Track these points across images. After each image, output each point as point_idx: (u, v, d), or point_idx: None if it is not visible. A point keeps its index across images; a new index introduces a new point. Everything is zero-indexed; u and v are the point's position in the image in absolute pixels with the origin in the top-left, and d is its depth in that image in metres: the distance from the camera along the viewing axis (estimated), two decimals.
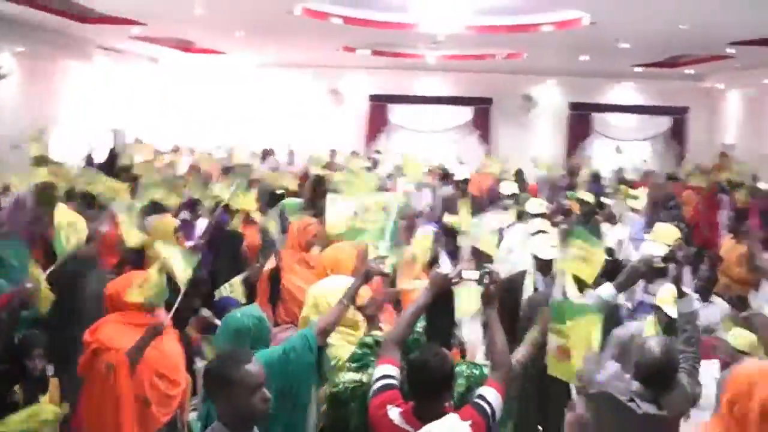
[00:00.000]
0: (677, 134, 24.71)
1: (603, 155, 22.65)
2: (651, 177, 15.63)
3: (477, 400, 4.10)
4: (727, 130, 23.34)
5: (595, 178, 16.90)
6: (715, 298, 7.92)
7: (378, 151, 21.77)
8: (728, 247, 10.17)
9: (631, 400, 4.59)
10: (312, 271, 8.12)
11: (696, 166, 18.69)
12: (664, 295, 6.16)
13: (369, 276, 5.21)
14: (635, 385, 4.64)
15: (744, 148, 21.27)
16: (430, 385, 4.02)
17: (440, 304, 4.57)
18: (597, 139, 24.82)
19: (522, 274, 7.48)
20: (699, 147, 23.03)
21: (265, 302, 7.69)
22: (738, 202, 13.89)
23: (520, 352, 5.03)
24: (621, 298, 7.34)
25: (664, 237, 7.96)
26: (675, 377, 4.72)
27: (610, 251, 9.81)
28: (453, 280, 4.57)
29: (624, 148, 22.38)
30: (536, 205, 10.53)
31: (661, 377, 4.62)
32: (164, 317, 5.58)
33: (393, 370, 4.25)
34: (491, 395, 4.10)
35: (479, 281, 4.51)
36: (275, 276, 8.00)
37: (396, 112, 24.92)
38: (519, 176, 16.40)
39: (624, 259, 9.02)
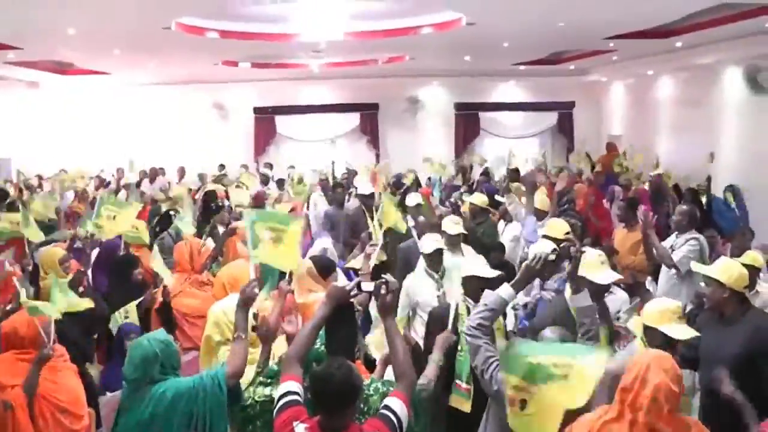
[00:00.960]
0: (564, 128, 25.23)
1: (492, 153, 22.99)
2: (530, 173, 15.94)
3: (383, 411, 4.13)
4: (612, 122, 24.01)
5: (487, 176, 17.17)
6: (613, 288, 8.07)
7: (268, 164, 21.71)
8: (621, 236, 10.43)
9: None
10: (207, 290, 8.12)
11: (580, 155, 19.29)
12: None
13: (248, 303, 5.16)
14: None
15: (630, 138, 21.89)
16: (335, 398, 4.00)
17: (340, 317, 4.57)
18: (485, 137, 25.14)
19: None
20: (586, 139, 23.65)
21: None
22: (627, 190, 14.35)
23: (429, 369, 5.09)
24: (520, 298, 7.55)
25: (556, 231, 8.16)
26: None
27: (501, 247, 10.03)
28: (351, 293, 4.58)
29: (514, 147, 22.75)
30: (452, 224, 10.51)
31: None
32: (60, 350, 5.52)
33: (296, 386, 4.24)
34: (396, 405, 4.13)
35: (376, 292, 4.55)
36: (166, 304, 8.01)
37: (283, 123, 24.81)
38: (415, 183, 16.47)
39: (522, 256, 9.19)
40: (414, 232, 9.86)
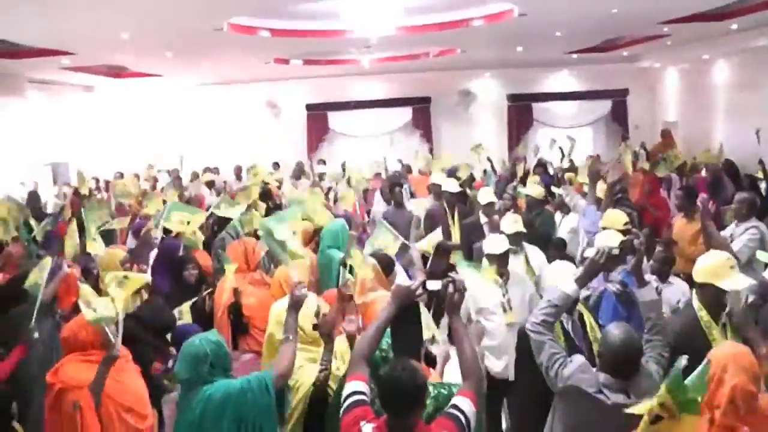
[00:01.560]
0: (618, 116, 24.94)
1: (547, 144, 22.86)
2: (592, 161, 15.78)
3: (451, 410, 4.15)
4: (667, 108, 23.74)
5: (543, 168, 17.09)
6: (673, 279, 8.02)
7: (323, 161, 21.79)
8: (680, 226, 10.28)
9: (600, 391, 4.69)
10: (267, 290, 8.21)
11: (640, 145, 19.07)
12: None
13: (297, 305, 5.20)
14: (602, 377, 4.73)
15: (686, 124, 21.65)
16: (402, 400, 4.04)
17: (405, 318, 4.57)
18: (539, 128, 24.97)
19: None
20: (641, 127, 23.43)
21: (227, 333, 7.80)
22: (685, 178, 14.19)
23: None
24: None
25: (613, 223, 8.10)
26: (640, 364, 4.80)
27: (562, 242, 9.97)
28: (417, 292, 4.58)
29: (570, 136, 22.59)
30: (487, 194, 10.81)
31: (626, 365, 4.71)
32: (122, 350, 5.62)
33: (362, 386, 4.27)
34: (465, 405, 4.16)
35: (443, 291, 4.53)
36: (235, 307, 8.10)
37: (335, 119, 24.89)
38: (469, 178, 16.34)
39: (582, 250, 9.12)
40: (486, 230, 10.12)
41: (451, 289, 4.51)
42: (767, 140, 15.44)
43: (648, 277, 7.54)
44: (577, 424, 4.88)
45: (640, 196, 13.08)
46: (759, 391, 4.04)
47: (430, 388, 4.54)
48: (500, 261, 7.65)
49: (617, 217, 8.36)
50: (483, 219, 10.54)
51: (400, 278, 7.79)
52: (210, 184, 18.86)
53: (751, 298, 7.43)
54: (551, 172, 16.91)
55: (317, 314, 5.66)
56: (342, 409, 4.24)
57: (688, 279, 8.40)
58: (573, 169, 16.00)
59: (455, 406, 4.17)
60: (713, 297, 5.55)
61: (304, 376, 5.50)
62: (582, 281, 5.21)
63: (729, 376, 3.98)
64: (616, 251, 5.27)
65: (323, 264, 8.91)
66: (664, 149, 18.59)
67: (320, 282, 8.74)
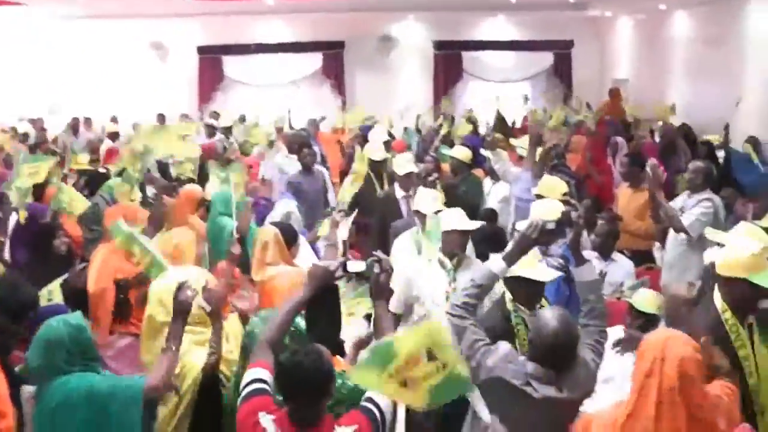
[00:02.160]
0: (561, 71, 25.26)
1: (477, 100, 22.94)
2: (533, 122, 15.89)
3: (366, 404, 4.21)
4: (617, 64, 24.08)
5: (473, 127, 17.18)
6: (617, 255, 8.22)
7: (215, 114, 21.56)
8: (625, 197, 10.38)
9: (527, 383, 4.72)
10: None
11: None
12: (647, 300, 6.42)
13: (182, 312, 5.14)
14: (531, 367, 4.75)
15: (637, 82, 21.98)
16: (304, 388, 4.09)
17: (322, 302, 4.61)
18: (469, 81, 25.19)
19: None
20: (586, 84, 23.70)
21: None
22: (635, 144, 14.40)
23: None
24: None
25: (550, 191, 8.15)
26: (575, 354, 4.84)
27: (492, 213, 10.05)
28: (336, 274, 4.61)
29: (501, 93, 22.72)
30: (405, 162, 10.52)
31: (559, 355, 4.74)
32: None
33: (264, 373, 4.30)
34: (382, 399, 4.22)
35: (367, 272, 4.59)
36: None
37: (232, 65, 24.77)
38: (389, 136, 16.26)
39: (514, 222, 9.18)
40: (403, 208, 9.73)
41: (377, 269, 4.57)
42: (728, 108, 15.80)
43: (589, 253, 7.59)
44: (501, 420, 4.89)
45: (582, 163, 13.27)
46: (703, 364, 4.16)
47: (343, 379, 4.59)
48: (457, 239, 7.08)
49: (555, 184, 8.44)
50: (400, 193, 10.05)
51: (304, 253, 7.83)
52: (114, 137, 18.42)
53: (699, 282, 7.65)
54: (482, 132, 17.00)
55: (203, 289, 5.63)
56: (240, 399, 4.27)
57: (634, 256, 8.62)
58: (507, 131, 16.12)
59: (370, 400, 4.23)
60: (741, 294, 5.33)
61: (192, 362, 5.41)
62: (511, 258, 5.18)
63: (671, 351, 4.07)
64: (551, 225, 5.27)
65: (214, 233, 8.84)
66: (612, 110, 18.88)
67: (210, 253, 8.69)
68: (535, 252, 5.78)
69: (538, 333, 4.77)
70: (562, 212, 6.24)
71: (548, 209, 6.82)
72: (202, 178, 11.23)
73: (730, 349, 5.10)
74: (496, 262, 5.12)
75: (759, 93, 16.51)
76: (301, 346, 4.27)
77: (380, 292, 4.62)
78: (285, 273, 6.89)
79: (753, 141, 14.06)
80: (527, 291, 5.71)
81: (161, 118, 20.51)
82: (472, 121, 18.21)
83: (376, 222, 9.90)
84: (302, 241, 7.96)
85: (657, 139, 15.94)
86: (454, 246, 6.94)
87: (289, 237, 7.35)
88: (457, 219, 7.09)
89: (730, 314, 5.29)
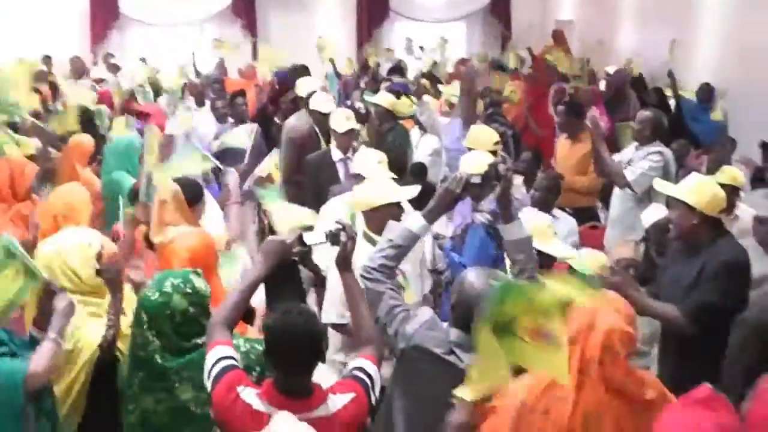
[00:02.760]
0: (499, 11, 25.29)
1: (404, 43, 22.94)
2: (468, 66, 15.96)
3: (356, 373, 4.38)
4: (561, 4, 24.25)
5: (400, 72, 17.20)
6: (559, 213, 8.39)
7: (110, 56, 21.34)
8: (563, 150, 10.60)
9: (450, 352, 4.80)
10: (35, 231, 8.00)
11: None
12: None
13: (68, 312, 5.08)
14: (454, 334, 4.83)
15: (583, 25, 22.15)
16: (301, 351, 4.17)
17: (280, 279, 4.74)
18: (396, 21, 25.20)
19: None
20: (527, 26, 23.82)
21: None
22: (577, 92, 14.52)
23: None
24: (443, 227, 7.63)
25: (481, 143, 8.32)
26: None
27: (421, 167, 10.14)
28: (294, 248, 4.72)
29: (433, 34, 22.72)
30: (341, 120, 9.92)
31: None
32: None
33: (230, 350, 4.40)
34: (371, 367, 4.42)
35: (331, 242, 4.68)
36: None
37: (128, 1, 24.34)
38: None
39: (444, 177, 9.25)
40: (342, 171, 9.45)
41: (343, 237, 4.67)
42: (683, 54, 15.98)
43: (529, 209, 7.94)
44: (422, 392, 4.94)
45: (520, 112, 13.40)
46: (637, 336, 4.27)
47: (242, 342, 4.74)
48: (391, 212, 6.61)
49: (484, 135, 8.59)
50: (337, 155, 9.68)
51: (211, 212, 7.86)
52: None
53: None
54: (410, 78, 17.04)
55: (99, 257, 5.65)
56: (211, 381, 4.34)
57: (575, 213, 8.78)
58: (436, 77, 16.17)
59: (360, 369, 4.41)
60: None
61: (87, 337, 5.41)
62: (432, 215, 5.24)
63: (600, 320, 4.17)
64: (476, 179, 5.34)
65: (109, 190, 8.81)
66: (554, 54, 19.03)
67: (105, 214, 8.66)
68: (549, 222, 5.83)
69: (461, 296, 4.84)
70: (489, 165, 6.09)
71: (476, 162, 6.93)
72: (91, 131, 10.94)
73: None
74: (415, 219, 5.17)
75: (712, 40, 16.83)
76: (290, 306, 4.31)
77: (345, 261, 4.73)
78: (186, 234, 6.89)
79: (706, 88, 14.32)
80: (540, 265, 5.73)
81: (47, 60, 20.20)
82: (400, 66, 18.24)
83: (309, 186, 9.72)
84: (210, 199, 7.97)
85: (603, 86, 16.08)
86: (386, 221, 6.46)
87: (192, 194, 7.28)
88: (388, 190, 6.79)
89: None
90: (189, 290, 4.94)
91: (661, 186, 6.89)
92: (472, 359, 4.64)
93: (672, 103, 14.23)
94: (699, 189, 6.21)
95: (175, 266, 6.31)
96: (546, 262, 5.86)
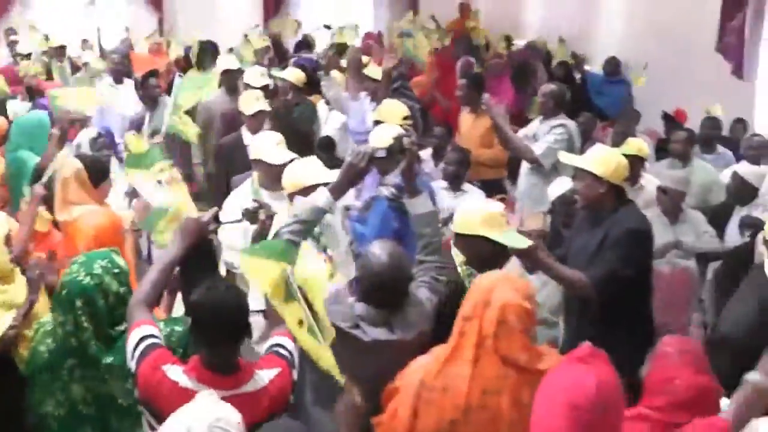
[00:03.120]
0: None
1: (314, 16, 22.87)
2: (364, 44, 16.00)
3: (278, 349, 4.47)
4: None
5: (307, 47, 17.18)
6: (467, 186, 8.55)
7: (11, 30, 20.99)
8: (467, 123, 10.61)
9: (356, 326, 4.86)
10: None
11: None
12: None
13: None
14: (360, 308, 4.90)
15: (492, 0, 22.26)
16: (230, 327, 4.20)
17: (196, 258, 4.76)
18: None
19: None
20: None
21: None
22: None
23: None
24: (351, 199, 7.65)
25: (388, 117, 8.32)
26: (407, 292, 4.99)
27: (329, 142, 10.17)
28: (210, 227, 4.77)
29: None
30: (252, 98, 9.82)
31: (390, 293, 4.89)
32: None
33: (152, 329, 4.42)
34: (289, 344, 4.49)
35: (249, 220, 4.83)
36: None
37: None
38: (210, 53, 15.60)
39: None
40: None
41: (262, 216, 4.82)
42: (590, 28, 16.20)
43: (439, 183, 8.18)
44: None
45: (428, 85, 13.47)
46: (535, 312, 4.38)
47: (162, 325, 4.70)
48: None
49: (393, 108, 8.58)
50: (249, 138, 9.27)
51: (118, 188, 7.86)
52: None
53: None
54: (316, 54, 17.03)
55: (7, 240, 5.61)
56: (135, 361, 4.33)
57: (483, 186, 8.90)
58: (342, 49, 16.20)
59: (280, 345, 4.49)
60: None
61: None
62: (337, 190, 5.24)
63: (497, 296, 4.29)
64: (381, 153, 5.37)
65: (14, 168, 8.74)
66: (462, 26, 19.10)
67: (11, 193, 8.60)
68: (501, 211, 5.85)
69: (365, 270, 4.91)
70: (394, 138, 6.14)
71: (382, 135, 6.92)
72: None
73: None
74: (321, 195, 5.16)
75: (617, 13, 16.97)
76: (213, 283, 4.35)
77: (264, 237, 4.89)
78: (90, 213, 6.86)
79: (612, 61, 14.55)
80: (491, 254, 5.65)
81: None
82: (308, 41, 18.20)
83: (217, 171, 9.70)
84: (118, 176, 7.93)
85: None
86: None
87: (96, 172, 7.22)
88: (318, 171, 6.72)
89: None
90: (116, 270, 4.92)
91: (567, 158, 7.08)
92: (378, 333, 4.79)
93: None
94: (603, 159, 6.41)
95: (79, 244, 6.40)
96: (500, 251, 5.84)
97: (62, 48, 16.49)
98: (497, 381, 4.26)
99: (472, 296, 4.40)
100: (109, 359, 4.80)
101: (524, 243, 5.64)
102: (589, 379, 3.60)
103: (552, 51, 16.64)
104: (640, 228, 6.26)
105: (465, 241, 5.62)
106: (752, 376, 4.20)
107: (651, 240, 6.44)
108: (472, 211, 5.72)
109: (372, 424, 4.59)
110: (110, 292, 4.84)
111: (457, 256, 5.75)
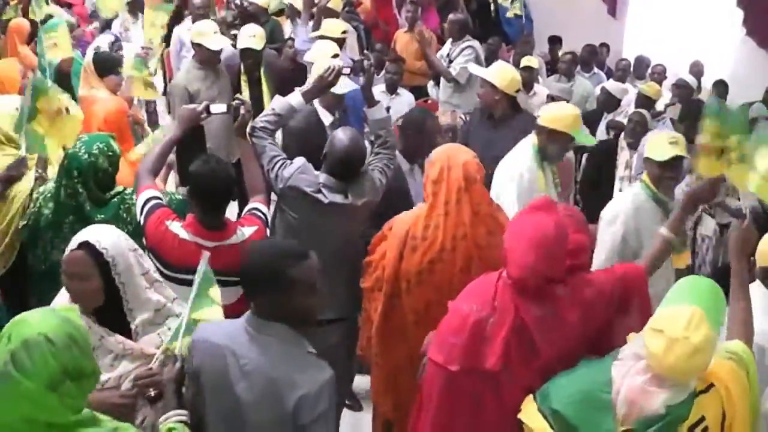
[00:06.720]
0: None
1: None
2: None
3: (254, 212, 4.98)
4: None
5: None
6: (400, 90, 9.37)
7: None
8: (404, 41, 11.34)
9: (318, 191, 5.40)
10: None
11: None
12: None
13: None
14: (323, 177, 5.42)
15: None
16: (219, 194, 4.70)
17: (190, 140, 5.29)
18: None
19: None
20: None
21: None
22: None
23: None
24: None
25: (330, 31, 8.99)
26: (362, 168, 5.54)
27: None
28: (201, 115, 5.26)
29: None
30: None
31: (348, 167, 5.42)
32: None
33: (156, 192, 4.86)
34: (263, 208, 5.04)
35: (230, 113, 5.33)
36: None
37: None
38: None
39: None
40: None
41: (242, 110, 5.31)
42: None
43: (379, 88, 8.87)
44: (296, 222, 5.52)
45: (370, 12, 14.06)
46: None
47: (162, 195, 5.14)
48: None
49: (334, 24, 9.22)
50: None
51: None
52: None
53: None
54: None
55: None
56: (143, 216, 4.76)
57: (413, 90, 9.87)
58: None
59: (256, 209, 5.01)
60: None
61: (18, 186, 5.70)
62: (308, 95, 5.83)
63: (455, 159, 5.04)
64: (346, 70, 5.95)
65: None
66: None
67: None
68: None
69: (331, 148, 5.44)
70: (355, 61, 6.79)
71: (327, 48, 7.83)
72: None
73: None
74: (295, 97, 5.74)
75: None
76: (208, 157, 4.89)
77: (243, 129, 5.42)
78: (102, 101, 7.42)
79: None
80: None
81: None
82: None
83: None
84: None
85: None
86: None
87: (102, 66, 7.67)
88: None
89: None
90: (110, 153, 5.34)
91: (475, 69, 8.26)
92: (335, 197, 5.42)
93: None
94: (502, 73, 7.46)
95: (93, 124, 6.98)
96: None
97: None
98: (463, 228, 4.94)
99: (435, 164, 5.03)
100: (100, 216, 5.15)
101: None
102: (549, 220, 4.06)
103: None
104: None
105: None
106: (663, 230, 4.68)
107: None
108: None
109: None
110: (101, 170, 5.27)
111: None
